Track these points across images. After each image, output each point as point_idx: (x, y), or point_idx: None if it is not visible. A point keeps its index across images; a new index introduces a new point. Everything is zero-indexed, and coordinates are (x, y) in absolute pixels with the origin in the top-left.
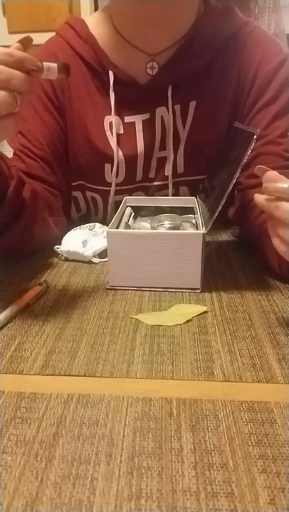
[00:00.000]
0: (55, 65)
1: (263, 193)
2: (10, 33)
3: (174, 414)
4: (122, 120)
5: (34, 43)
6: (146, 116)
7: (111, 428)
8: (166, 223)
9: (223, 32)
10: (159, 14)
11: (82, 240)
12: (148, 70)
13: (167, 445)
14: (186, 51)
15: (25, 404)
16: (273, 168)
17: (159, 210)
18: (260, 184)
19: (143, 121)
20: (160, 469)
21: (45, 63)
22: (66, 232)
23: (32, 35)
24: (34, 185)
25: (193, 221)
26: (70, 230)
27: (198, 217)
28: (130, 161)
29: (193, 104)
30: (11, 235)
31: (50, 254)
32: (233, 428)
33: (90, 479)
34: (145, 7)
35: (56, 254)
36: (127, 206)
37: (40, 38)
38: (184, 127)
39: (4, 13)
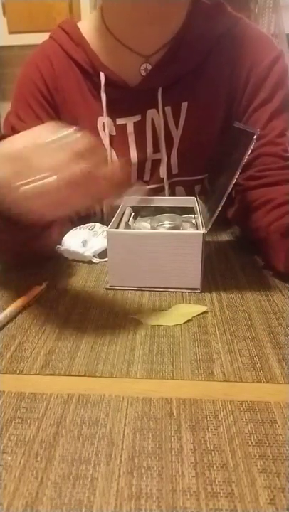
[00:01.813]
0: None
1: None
2: (10, 33)
3: (174, 414)
4: (114, 122)
5: (34, 42)
6: (137, 118)
7: (111, 428)
8: (166, 223)
9: (214, 30)
10: (152, 13)
11: (82, 240)
12: (142, 71)
13: (167, 445)
14: (176, 52)
15: (25, 404)
16: (272, 169)
17: (159, 210)
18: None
19: (134, 123)
20: (160, 469)
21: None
22: (66, 232)
23: (32, 35)
24: None
25: (193, 221)
26: (70, 230)
27: (198, 217)
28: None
29: (185, 105)
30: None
31: (50, 254)
32: (233, 428)
33: (90, 479)
34: (138, 7)
35: (56, 254)
36: (127, 206)
37: (40, 38)
38: (176, 128)
39: (4, 13)
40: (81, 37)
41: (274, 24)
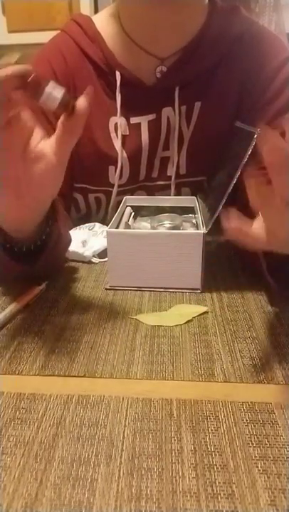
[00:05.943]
0: (58, 96)
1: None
2: (10, 32)
3: (174, 415)
4: (128, 121)
5: (34, 42)
6: (152, 116)
7: (111, 429)
8: (166, 223)
9: (229, 33)
10: (171, 18)
11: (82, 240)
12: (157, 73)
13: (167, 446)
14: (193, 52)
15: (25, 405)
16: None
17: (159, 210)
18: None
19: (149, 121)
20: (160, 470)
21: (48, 87)
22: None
23: (32, 34)
24: None
25: (194, 221)
26: (70, 230)
27: (198, 217)
28: (134, 160)
29: (198, 104)
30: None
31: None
32: (233, 429)
33: (89, 480)
34: (157, 11)
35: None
36: (127, 206)
37: (39, 37)
38: (188, 128)
39: (4, 12)
40: (96, 32)
41: (274, 23)
